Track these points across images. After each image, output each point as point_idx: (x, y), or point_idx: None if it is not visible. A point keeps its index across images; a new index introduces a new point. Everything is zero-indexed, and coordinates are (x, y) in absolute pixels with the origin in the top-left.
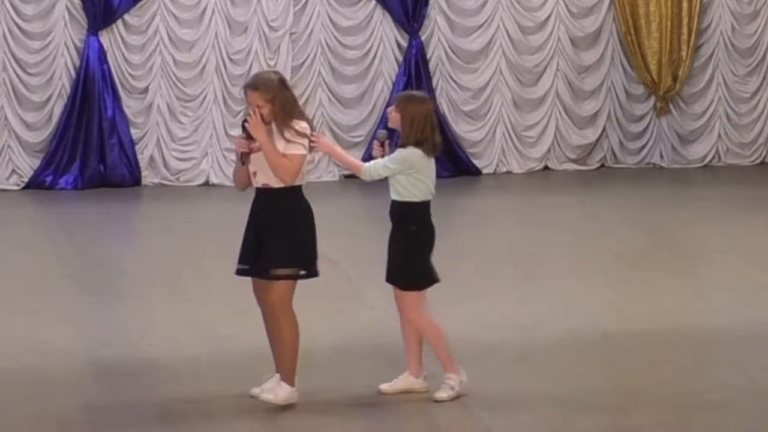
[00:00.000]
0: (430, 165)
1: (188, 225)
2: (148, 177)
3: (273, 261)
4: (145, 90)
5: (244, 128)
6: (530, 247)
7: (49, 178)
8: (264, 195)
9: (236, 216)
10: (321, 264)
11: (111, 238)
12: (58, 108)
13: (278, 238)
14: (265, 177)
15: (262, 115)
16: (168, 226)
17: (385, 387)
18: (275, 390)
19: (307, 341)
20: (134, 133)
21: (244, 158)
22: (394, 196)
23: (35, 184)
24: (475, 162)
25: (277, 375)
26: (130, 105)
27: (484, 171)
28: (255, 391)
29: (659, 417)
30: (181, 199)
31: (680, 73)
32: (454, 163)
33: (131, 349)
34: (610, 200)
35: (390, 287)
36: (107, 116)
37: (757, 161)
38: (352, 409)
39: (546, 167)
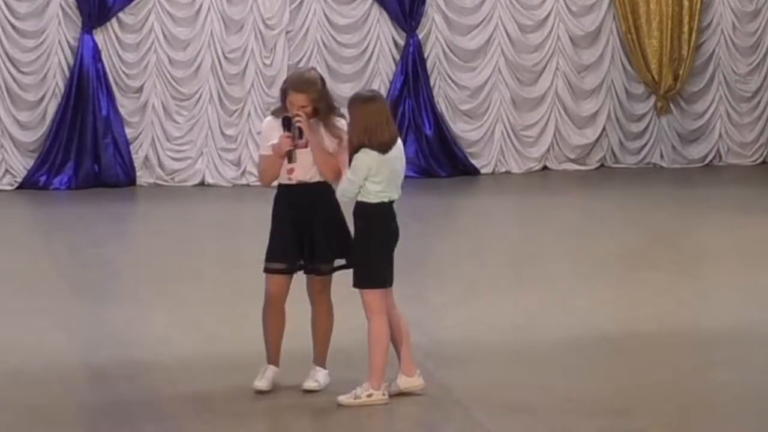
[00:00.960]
0: (388, 164)
1: (183, 225)
2: (142, 177)
3: (333, 254)
4: (140, 89)
5: (289, 126)
6: (529, 247)
7: (42, 178)
8: (302, 191)
9: (231, 216)
10: None
11: (105, 239)
12: (52, 107)
13: (332, 231)
14: (303, 173)
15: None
16: (163, 227)
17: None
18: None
19: (306, 342)
20: (129, 132)
21: (291, 156)
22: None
23: (29, 184)
24: (474, 162)
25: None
26: (124, 104)
27: (483, 171)
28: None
29: (659, 419)
30: (176, 200)
31: (681, 72)
32: (452, 163)
33: (125, 350)
34: (609, 200)
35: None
36: (101, 115)
37: (758, 161)
38: (349, 410)
39: (545, 167)
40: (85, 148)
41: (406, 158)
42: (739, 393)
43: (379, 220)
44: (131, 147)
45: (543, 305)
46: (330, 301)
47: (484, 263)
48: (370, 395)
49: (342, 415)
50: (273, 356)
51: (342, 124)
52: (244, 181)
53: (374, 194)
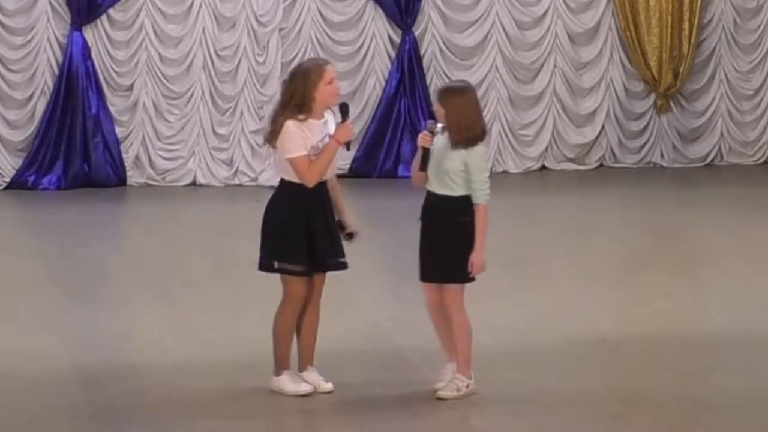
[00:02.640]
0: None
1: (174, 226)
2: (133, 177)
3: (340, 250)
4: (131, 87)
5: (347, 114)
6: (527, 248)
7: (31, 178)
8: (321, 190)
9: (224, 217)
10: None
11: (95, 240)
12: (40, 106)
13: (335, 228)
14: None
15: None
16: (154, 228)
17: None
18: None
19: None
20: (119, 131)
21: (349, 145)
22: (446, 191)
23: (17, 184)
24: None
25: None
26: (114, 103)
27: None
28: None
29: (660, 422)
30: (167, 200)
31: (681, 70)
32: None
33: (116, 353)
34: (609, 200)
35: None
36: (91, 114)
37: (760, 160)
38: (344, 413)
39: (543, 167)
40: (75, 148)
41: (402, 158)
42: (740, 396)
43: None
44: (121, 146)
45: (542, 307)
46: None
47: None
48: (467, 385)
49: (337, 417)
50: (288, 361)
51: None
52: (236, 181)
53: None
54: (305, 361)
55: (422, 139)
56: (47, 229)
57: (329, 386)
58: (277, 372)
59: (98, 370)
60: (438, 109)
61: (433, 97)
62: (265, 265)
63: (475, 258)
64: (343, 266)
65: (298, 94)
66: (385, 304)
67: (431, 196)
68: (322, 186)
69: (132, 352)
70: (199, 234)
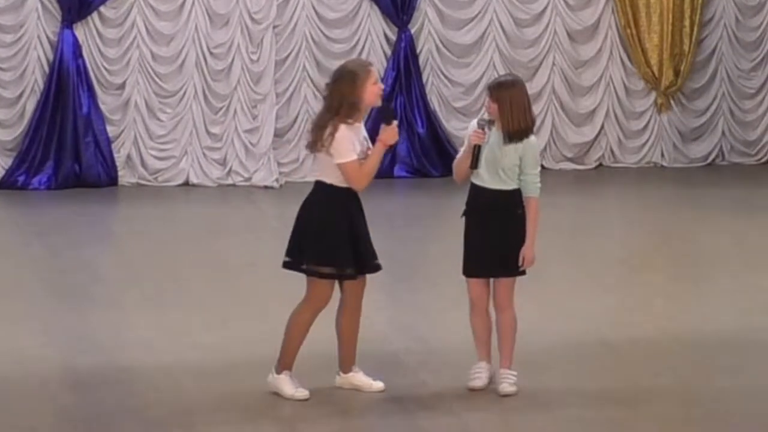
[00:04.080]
0: None
1: (167, 227)
2: (124, 177)
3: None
4: (122, 86)
5: (391, 118)
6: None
7: (21, 178)
8: (355, 193)
9: (217, 218)
10: None
11: (86, 241)
12: (30, 104)
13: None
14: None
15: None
16: (145, 228)
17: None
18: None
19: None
20: (110, 130)
21: (478, 150)
22: (500, 186)
23: (7, 184)
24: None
25: None
26: (106, 101)
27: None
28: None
29: (660, 425)
30: (159, 200)
31: (682, 68)
32: (445, 162)
33: (107, 357)
34: (608, 201)
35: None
36: (82, 113)
37: (762, 160)
38: (339, 416)
39: (542, 166)
40: (65, 147)
41: (397, 158)
42: (741, 399)
43: None
44: (113, 146)
45: (540, 309)
46: None
47: None
48: (515, 375)
49: (331, 421)
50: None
51: None
52: (229, 181)
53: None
54: (349, 362)
55: (475, 136)
56: (37, 230)
57: (380, 385)
58: (278, 369)
59: (88, 373)
60: (489, 104)
61: (428, 96)
62: (292, 265)
63: (528, 252)
64: (380, 268)
65: (347, 98)
66: (380, 306)
67: (483, 191)
68: (353, 192)
69: (122, 354)
70: (191, 235)
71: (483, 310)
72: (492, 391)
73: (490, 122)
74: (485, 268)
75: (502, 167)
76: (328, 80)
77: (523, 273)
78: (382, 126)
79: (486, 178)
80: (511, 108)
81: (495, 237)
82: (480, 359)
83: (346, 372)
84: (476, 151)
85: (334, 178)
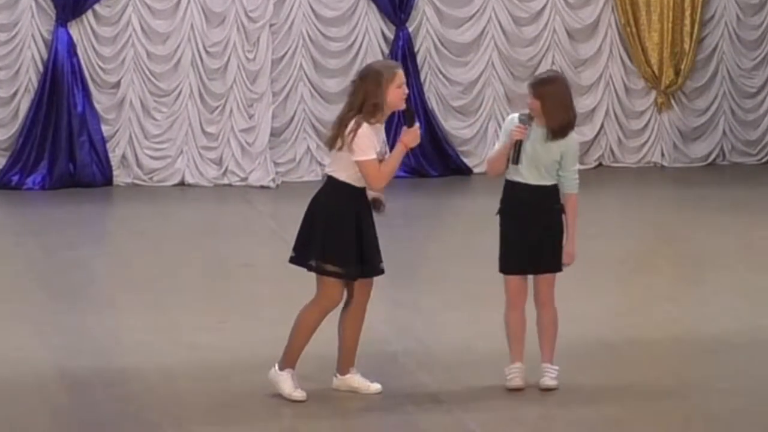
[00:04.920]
0: None
1: (162, 227)
2: (120, 176)
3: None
4: (117, 84)
5: (413, 120)
6: None
7: (15, 178)
8: (364, 193)
9: (213, 218)
10: None
11: (81, 241)
12: (24, 104)
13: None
14: None
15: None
16: (141, 229)
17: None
18: None
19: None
20: (105, 130)
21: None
22: (540, 181)
23: (0, 184)
24: (466, 161)
25: None
26: (100, 100)
27: (475, 170)
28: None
29: (660, 428)
30: (154, 200)
31: (682, 67)
32: (444, 162)
33: (102, 357)
34: (608, 201)
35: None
36: (77, 112)
37: (763, 160)
38: (338, 418)
39: None
40: (60, 147)
41: None
42: (743, 402)
43: None
44: (108, 145)
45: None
46: None
47: (477, 267)
48: (557, 370)
49: (329, 423)
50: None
51: None
52: (225, 181)
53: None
54: (347, 364)
55: (517, 131)
56: (31, 230)
57: (377, 387)
58: (282, 366)
59: (84, 375)
60: (531, 101)
61: (426, 95)
62: (297, 260)
63: (570, 248)
64: (384, 271)
65: (371, 97)
66: (379, 307)
67: (521, 187)
68: (366, 192)
69: (118, 356)
70: (187, 235)
71: (521, 308)
72: (491, 393)
73: (531, 118)
74: (526, 264)
75: (543, 163)
76: (354, 77)
77: (561, 269)
78: (404, 128)
79: (525, 174)
80: (554, 104)
81: (535, 233)
82: (514, 360)
83: (343, 374)
84: (518, 147)
85: (348, 176)
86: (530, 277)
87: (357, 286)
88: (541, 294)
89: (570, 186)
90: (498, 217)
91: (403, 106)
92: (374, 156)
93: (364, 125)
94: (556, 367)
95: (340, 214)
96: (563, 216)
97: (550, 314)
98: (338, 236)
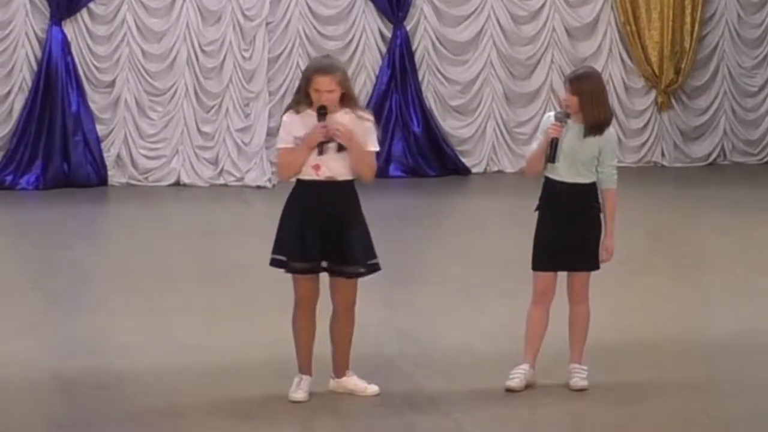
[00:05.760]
0: None
1: (158, 227)
2: (114, 176)
3: (364, 256)
4: (112, 83)
5: (323, 116)
6: (523, 251)
7: (9, 178)
8: (327, 188)
9: (208, 218)
10: None
11: (75, 242)
12: (18, 103)
13: (360, 232)
14: (330, 170)
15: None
16: (136, 229)
17: (514, 384)
18: None
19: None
20: (100, 129)
21: (322, 148)
22: (578, 179)
23: None
24: (464, 160)
25: None
26: (95, 100)
27: (474, 170)
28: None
29: (659, 428)
30: (150, 200)
31: (683, 66)
32: (442, 162)
33: (96, 359)
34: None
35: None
36: (71, 112)
37: (764, 160)
38: (336, 420)
39: None
40: (54, 146)
41: (393, 157)
42: (743, 403)
43: None
44: (102, 145)
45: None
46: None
47: (476, 267)
48: (587, 370)
49: (326, 425)
50: (305, 365)
51: (368, 115)
52: (221, 181)
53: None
54: (342, 366)
55: (553, 129)
56: (25, 230)
57: (374, 389)
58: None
59: (77, 377)
60: (568, 98)
61: (424, 94)
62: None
63: (608, 244)
64: (358, 275)
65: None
66: (375, 308)
67: (559, 185)
68: (338, 186)
69: (112, 357)
70: (182, 236)
71: (544, 306)
72: (490, 395)
73: (567, 115)
74: (559, 261)
75: (581, 160)
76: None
77: (597, 267)
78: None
79: (563, 172)
80: (592, 100)
81: (573, 230)
82: (524, 360)
83: (339, 377)
84: (554, 145)
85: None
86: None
87: (336, 288)
88: (574, 292)
89: (609, 181)
90: (536, 213)
91: (322, 103)
92: (281, 145)
93: (287, 114)
94: (585, 368)
95: (287, 204)
96: (601, 214)
97: (583, 311)
98: (280, 224)
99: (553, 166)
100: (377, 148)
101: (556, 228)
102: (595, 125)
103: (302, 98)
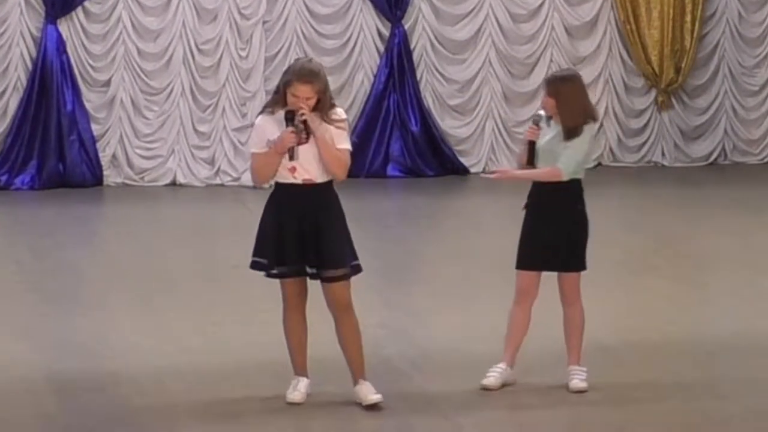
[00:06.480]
0: None
1: (153, 228)
2: (110, 176)
3: (342, 258)
4: (107, 83)
5: (291, 121)
6: None
7: (3, 178)
8: (304, 191)
9: (205, 218)
10: None
11: (70, 242)
12: (13, 102)
13: (339, 234)
14: (306, 172)
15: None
16: (132, 229)
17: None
18: None
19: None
20: (95, 129)
21: (293, 152)
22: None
23: None
24: (462, 160)
25: None
26: (90, 99)
27: (472, 170)
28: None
29: (659, 429)
30: (145, 200)
31: (683, 65)
32: (440, 162)
33: (92, 360)
34: (607, 201)
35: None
36: (66, 111)
37: (765, 159)
38: (332, 421)
39: None
40: (49, 146)
41: (391, 157)
42: (743, 405)
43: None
44: (98, 144)
45: (536, 313)
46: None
47: (474, 268)
48: (586, 371)
49: (323, 427)
50: (299, 367)
51: (340, 112)
52: (218, 181)
53: (583, 169)
54: (352, 373)
55: (529, 132)
56: (20, 231)
57: (374, 398)
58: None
59: (74, 379)
60: (547, 99)
61: (422, 93)
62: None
63: (508, 174)
64: (333, 278)
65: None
66: (373, 309)
67: (543, 186)
68: (316, 188)
69: (109, 359)
70: (179, 236)
71: (525, 306)
72: (488, 395)
73: (548, 117)
74: (539, 261)
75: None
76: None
77: (584, 268)
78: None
79: None
80: (569, 103)
81: (558, 231)
82: (502, 359)
83: (353, 384)
84: (531, 148)
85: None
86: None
87: (326, 293)
88: (564, 294)
89: (562, 162)
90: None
91: (296, 110)
92: (257, 149)
93: (261, 116)
94: (584, 369)
95: (266, 206)
96: (586, 215)
97: (576, 312)
98: (260, 227)
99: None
100: (349, 147)
101: (539, 228)
102: (572, 129)
103: (280, 99)
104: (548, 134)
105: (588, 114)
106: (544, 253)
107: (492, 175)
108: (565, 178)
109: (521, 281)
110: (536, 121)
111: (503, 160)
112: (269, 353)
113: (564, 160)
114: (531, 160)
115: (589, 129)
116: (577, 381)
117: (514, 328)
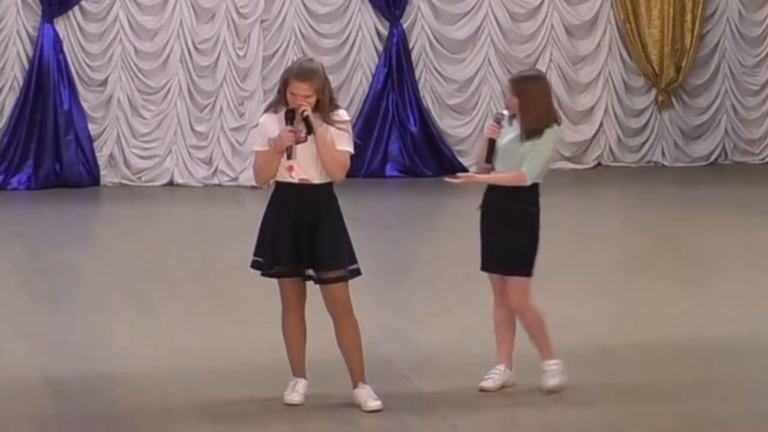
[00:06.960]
0: None
1: (151, 228)
2: (107, 176)
3: (338, 261)
4: (104, 82)
5: (291, 120)
6: None
7: (0, 178)
8: (302, 191)
9: (202, 218)
10: None
11: (67, 243)
12: (9, 101)
13: (336, 236)
14: (304, 172)
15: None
16: (129, 230)
17: (488, 384)
18: None
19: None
20: (92, 128)
21: (290, 151)
22: None
23: None
24: (461, 160)
25: None
26: (87, 98)
27: (471, 170)
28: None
29: (659, 430)
30: (143, 200)
31: (683, 64)
32: (439, 161)
33: (89, 362)
34: (607, 201)
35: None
36: (63, 110)
37: (766, 159)
38: (331, 423)
39: None
40: (46, 146)
41: (389, 156)
42: (744, 406)
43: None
44: (95, 144)
45: None
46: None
47: (472, 269)
48: (557, 364)
49: (322, 425)
50: (298, 368)
51: (342, 114)
52: (215, 181)
53: (544, 173)
54: (352, 377)
55: (491, 130)
56: (17, 231)
57: (373, 405)
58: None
59: (70, 380)
60: (510, 98)
61: (421, 92)
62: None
63: (470, 179)
64: (329, 281)
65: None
66: (371, 311)
67: (497, 187)
68: (314, 188)
69: (105, 360)
70: (176, 236)
71: (501, 306)
72: (486, 396)
73: (511, 116)
74: (489, 264)
75: (516, 163)
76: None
77: (529, 275)
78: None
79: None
80: (531, 104)
81: (502, 234)
82: (498, 361)
83: (353, 387)
84: (491, 146)
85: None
86: None
87: (324, 295)
88: (510, 299)
89: (525, 165)
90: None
91: (297, 107)
92: (257, 148)
93: (265, 115)
94: (556, 362)
95: (267, 206)
96: (538, 220)
97: (525, 320)
98: (260, 226)
99: (494, 166)
100: (349, 149)
101: (486, 230)
102: (532, 130)
103: (282, 98)
104: (509, 134)
105: (551, 116)
106: (492, 255)
107: (457, 180)
108: (528, 182)
109: (492, 282)
110: (498, 119)
111: None
112: (267, 354)
113: (528, 165)
114: (489, 159)
115: (552, 132)
116: (547, 378)
117: (500, 328)
